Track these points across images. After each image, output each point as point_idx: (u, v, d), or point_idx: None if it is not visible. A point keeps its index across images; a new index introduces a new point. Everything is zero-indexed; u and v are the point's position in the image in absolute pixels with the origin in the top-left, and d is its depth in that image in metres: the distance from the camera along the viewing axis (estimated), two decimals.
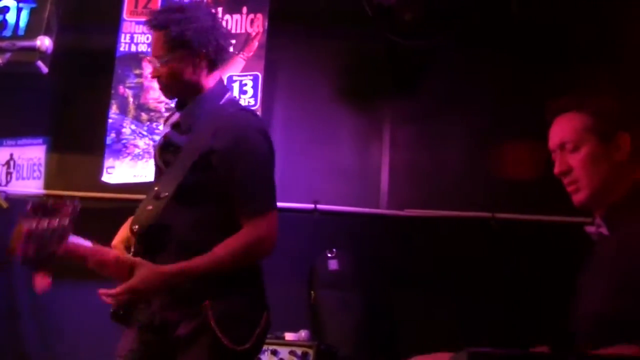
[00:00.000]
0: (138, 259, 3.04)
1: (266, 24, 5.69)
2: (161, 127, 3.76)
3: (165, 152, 3.33)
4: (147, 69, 3.69)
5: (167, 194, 3.10)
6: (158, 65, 3.26)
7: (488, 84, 5.86)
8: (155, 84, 3.44)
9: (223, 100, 3.33)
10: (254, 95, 5.56)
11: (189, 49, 3.23)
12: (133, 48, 5.61)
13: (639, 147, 2.62)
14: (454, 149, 5.89)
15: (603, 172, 2.62)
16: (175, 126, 3.32)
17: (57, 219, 2.99)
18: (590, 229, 2.68)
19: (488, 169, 5.76)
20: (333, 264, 5.50)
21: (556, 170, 2.69)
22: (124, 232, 3.35)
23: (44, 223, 2.98)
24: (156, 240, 3.14)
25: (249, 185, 3.15)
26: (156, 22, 3.26)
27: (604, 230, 2.62)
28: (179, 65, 3.25)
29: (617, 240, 2.54)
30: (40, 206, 3.02)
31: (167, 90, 3.33)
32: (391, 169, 5.94)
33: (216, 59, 3.32)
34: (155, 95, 5.44)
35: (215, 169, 3.13)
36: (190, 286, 3.04)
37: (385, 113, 6.05)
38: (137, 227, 3.17)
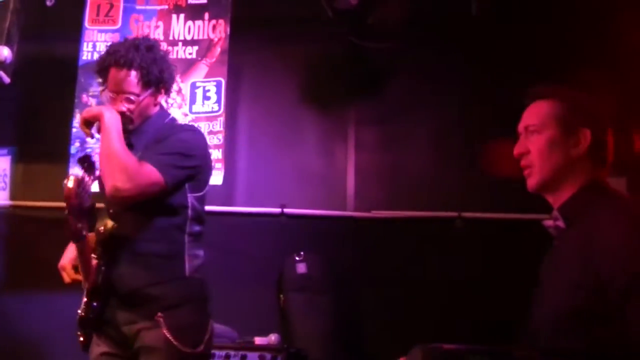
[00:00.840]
0: None
1: (228, 29, 5.67)
2: None
3: None
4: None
5: None
6: (127, 102, 3.47)
7: (451, 85, 5.90)
8: None
9: (167, 120, 3.65)
10: (218, 101, 5.55)
11: (157, 87, 3.53)
12: (95, 56, 5.56)
13: (598, 146, 2.66)
14: (419, 149, 5.92)
15: (556, 161, 2.65)
16: (128, 147, 3.44)
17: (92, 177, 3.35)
18: (548, 222, 2.71)
19: (453, 169, 5.81)
20: (301, 268, 5.51)
21: (515, 151, 2.74)
22: (70, 253, 3.59)
23: (87, 178, 3.32)
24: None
25: (167, 154, 3.40)
26: (129, 62, 3.45)
27: (560, 223, 2.65)
28: (148, 101, 3.52)
29: (574, 234, 2.57)
30: (87, 159, 3.34)
31: (131, 122, 3.50)
32: (357, 171, 5.96)
33: (169, 91, 3.66)
34: None
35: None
36: (146, 303, 3.35)
37: (349, 115, 6.06)
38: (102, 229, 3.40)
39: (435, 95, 5.94)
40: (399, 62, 5.95)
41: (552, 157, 2.65)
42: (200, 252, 3.52)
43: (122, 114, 3.42)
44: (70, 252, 3.59)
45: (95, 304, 3.41)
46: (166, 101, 3.43)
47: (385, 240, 5.73)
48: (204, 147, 3.63)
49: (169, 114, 3.72)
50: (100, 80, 3.59)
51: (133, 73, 3.45)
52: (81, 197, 3.27)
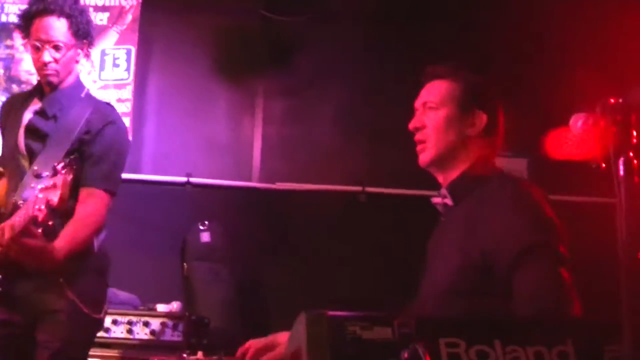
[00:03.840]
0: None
1: None
2: None
3: (29, 136, 3.53)
4: (18, 40, 3.76)
5: (47, 173, 3.21)
6: (54, 50, 3.48)
7: (359, 58, 5.98)
8: (27, 56, 3.52)
9: (83, 94, 3.64)
10: (127, 69, 5.56)
11: (82, 40, 3.55)
12: (3, 18, 5.51)
13: (491, 129, 2.75)
14: (325, 123, 5.96)
15: (451, 138, 2.72)
16: (39, 113, 3.51)
17: None
18: (437, 200, 2.78)
19: (358, 144, 5.90)
20: (205, 237, 5.53)
21: (411, 125, 2.79)
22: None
23: None
24: None
25: (104, 163, 3.52)
26: (60, 8, 3.47)
27: (448, 201, 2.73)
28: (72, 55, 3.54)
29: (460, 212, 2.66)
30: None
31: (57, 75, 3.53)
32: (263, 142, 6.03)
33: (89, 53, 3.66)
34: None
35: (86, 151, 3.48)
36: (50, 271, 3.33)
37: (258, 87, 6.11)
38: (21, 202, 3.32)
39: (343, 70, 6.01)
40: (308, 35, 6.00)
41: (448, 134, 2.72)
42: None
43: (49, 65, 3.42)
44: None
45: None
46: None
47: (288, 213, 5.81)
48: (129, 142, 3.83)
49: (84, 87, 3.72)
50: (23, 32, 3.57)
51: (63, 20, 3.47)
52: None
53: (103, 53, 5.55)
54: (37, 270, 3.27)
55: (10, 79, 5.30)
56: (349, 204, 5.83)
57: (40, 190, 3.03)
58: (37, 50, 3.49)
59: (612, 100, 1.73)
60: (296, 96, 6.08)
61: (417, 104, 2.82)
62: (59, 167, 3.05)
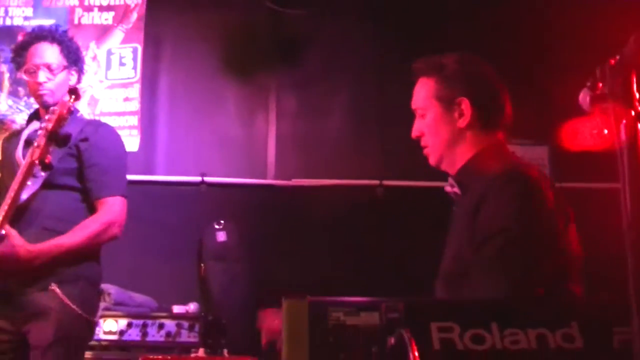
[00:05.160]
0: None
1: None
2: None
3: (27, 147, 3.62)
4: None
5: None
6: (48, 71, 3.69)
7: (371, 52, 5.90)
8: None
9: (78, 115, 3.84)
10: (134, 68, 5.51)
11: (73, 64, 3.78)
12: (8, 22, 5.48)
13: (484, 110, 2.68)
14: (339, 117, 5.92)
15: (446, 136, 2.68)
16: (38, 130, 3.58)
17: None
18: (448, 188, 2.75)
19: (374, 137, 5.82)
20: (221, 236, 5.47)
21: (412, 135, 2.78)
22: None
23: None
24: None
25: (109, 172, 3.69)
26: (52, 35, 3.75)
27: (457, 190, 2.69)
28: (66, 77, 3.76)
29: (466, 200, 2.61)
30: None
31: (51, 95, 3.70)
32: (278, 139, 5.94)
33: (80, 79, 3.88)
34: None
35: (81, 157, 3.65)
36: (43, 275, 3.44)
37: (270, 83, 6.03)
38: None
39: (355, 63, 5.94)
40: (318, 29, 5.93)
41: (442, 134, 2.69)
42: None
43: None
44: None
45: None
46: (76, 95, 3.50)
47: (305, 209, 5.71)
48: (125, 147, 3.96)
49: (78, 110, 3.85)
50: (18, 64, 3.78)
51: (55, 45, 3.73)
52: None
53: (109, 52, 5.51)
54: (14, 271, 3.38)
55: (17, 81, 5.25)
56: (366, 199, 5.74)
57: None
58: (31, 74, 3.72)
59: (612, 62, 1.62)
60: (309, 90, 6.00)
61: (412, 109, 2.81)
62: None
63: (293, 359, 1.56)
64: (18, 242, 3.33)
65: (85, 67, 3.99)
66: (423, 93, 2.73)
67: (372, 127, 5.87)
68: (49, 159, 3.33)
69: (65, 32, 3.90)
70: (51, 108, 3.47)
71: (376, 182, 5.80)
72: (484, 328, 1.61)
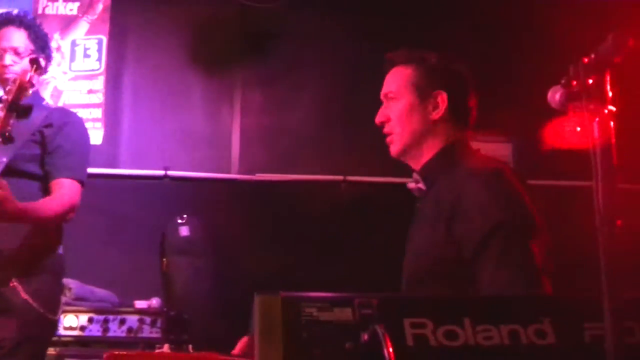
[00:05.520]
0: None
1: None
2: None
3: None
4: None
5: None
6: (15, 55, 3.66)
7: (337, 47, 5.89)
8: None
9: (44, 103, 3.86)
10: (99, 59, 5.46)
11: (40, 51, 3.73)
12: None
13: (457, 107, 2.68)
14: (304, 112, 5.90)
15: (415, 126, 2.65)
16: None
17: None
18: (411, 185, 2.72)
19: (338, 133, 5.82)
20: (184, 231, 5.44)
21: (376, 119, 2.73)
22: None
23: None
24: None
25: (71, 155, 3.62)
26: (20, 20, 3.74)
27: (421, 185, 2.67)
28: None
29: (431, 196, 2.60)
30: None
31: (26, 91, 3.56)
32: (242, 133, 5.92)
33: (47, 66, 3.82)
34: None
35: (51, 144, 3.59)
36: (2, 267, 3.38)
37: (236, 77, 6.01)
38: None
39: (321, 58, 5.94)
40: (285, 23, 5.92)
41: (412, 123, 2.65)
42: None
43: (20, 84, 3.40)
44: None
45: None
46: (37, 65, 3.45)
47: (269, 204, 5.71)
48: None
49: (44, 98, 3.91)
50: None
51: (22, 30, 3.71)
52: None
53: (73, 43, 5.46)
54: None
55: None
56: (330, 194, 5.73)
57: None
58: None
59: (585, 60, 1.62)
60: (274, 86, 5.98)
61: (381, 95, 2.77)
62: None
63: (267, 355, 1.54)
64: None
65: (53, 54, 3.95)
66: (399, 79, 2.70)
67: (337, 122, 5.87)
68: (9, 131, 3.22)
69: (34, 18, 3.91)
70: (11, 79, 3.43)
71: (340, 177, 5.80)
72: (456, 324, 1.60)
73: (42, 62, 3.58)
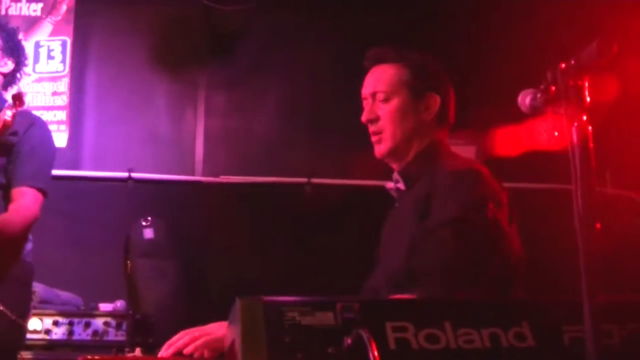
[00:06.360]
0: None
1: None
2: None
3: None
4: None
5: None
6: None
7: (302, 49, 5.89)
8: None
9: (6, 105, 3.56)
10: (63, 61, 5.40)
11: (9, 54, 3.69)
12: None
13: (445, 110, 2.69)
14: (269, 114, 5.91)
15: (408, 127, 2.65)
16: None
17: None
18: (390, 185, 2.72)
19: (303, 135, 5.83)
20: (148, 233, 5.40)
21: (364, 117, 2.70)
22: None
23: None
24: None
25: (31, 161, 3.52)
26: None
27: (401, 185, 2.67)
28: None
29: (411, 195, 2.60)
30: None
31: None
32: (206, 135, 5.90)
33: (20, 65, 3.78)
34: None
35: (14, 152, 3.51)
36: None
37: (200, 79, 5.98)
38: None
39: (286, 60, 5.93)
40: (250, 25, 5.90)
41: (404, 123, 2.65)
42: (30, 235, 3.59)
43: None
44: None
45: None
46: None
47: (233, 206, 5.71)
48: (54, 144, 3.79)
49: (7, 100, 3.73)
50: None
51: None
52: None
53: (37, 45, 5.39)
54: None
55: None
56: (294, 196, 5.73)
57: None
58: None
59: (562, 65, 1.64)
60: (239, 88, 5.97)
61: (365, 92, 2.75)
62: None
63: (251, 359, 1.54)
64: None
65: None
66: (391, 77, 2.69)
67: (302, 125, 5.88)
68: None
69: (5, 17, 3.94)
70: None
71: (304, 179, 5.80)
72: (438, 327, 1.61)
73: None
